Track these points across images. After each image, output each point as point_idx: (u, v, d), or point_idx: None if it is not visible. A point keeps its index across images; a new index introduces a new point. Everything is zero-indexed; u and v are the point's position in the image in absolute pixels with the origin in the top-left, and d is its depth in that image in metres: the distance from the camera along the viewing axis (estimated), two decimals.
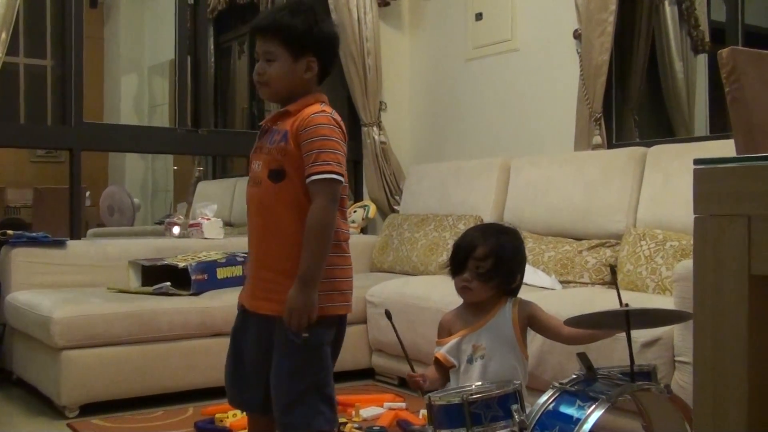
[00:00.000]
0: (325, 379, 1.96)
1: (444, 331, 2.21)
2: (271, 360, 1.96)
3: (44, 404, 3.24)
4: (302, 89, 1.98)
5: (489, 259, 2.11)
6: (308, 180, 1.88)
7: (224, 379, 2.09)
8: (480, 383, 2.01)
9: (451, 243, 3.88)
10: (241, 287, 2.11)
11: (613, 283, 2.09)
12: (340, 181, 1.90)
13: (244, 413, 2.37)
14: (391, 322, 2.14)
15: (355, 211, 4.72)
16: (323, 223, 1.88)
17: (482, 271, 2.11)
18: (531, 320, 2.18)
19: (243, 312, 2.05)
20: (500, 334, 2.12)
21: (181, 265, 3.44)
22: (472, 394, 1.83)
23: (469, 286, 2.13)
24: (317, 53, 1.97)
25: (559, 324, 2.15)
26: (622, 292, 2.97)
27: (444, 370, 2.16)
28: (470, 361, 2.11)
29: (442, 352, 2.15)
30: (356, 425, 2.88)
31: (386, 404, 3.12)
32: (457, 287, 2.16)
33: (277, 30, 1.95)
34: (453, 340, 2.15)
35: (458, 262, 2.15)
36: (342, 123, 1.97)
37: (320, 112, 1.93)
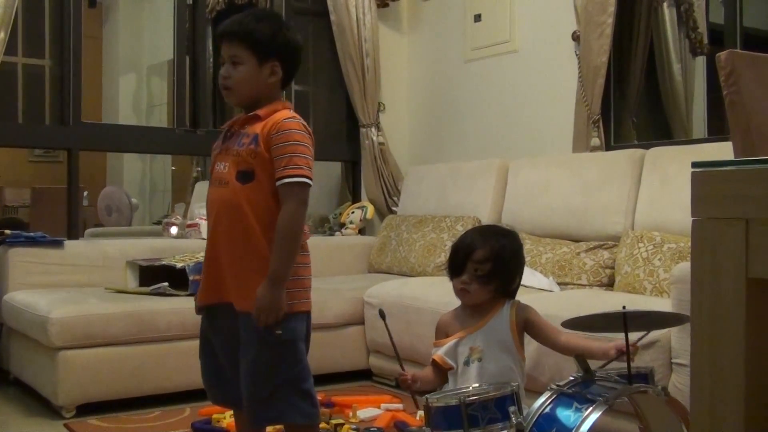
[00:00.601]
0: (301, 374, 2.01)
1: (441, 332, 2.22)
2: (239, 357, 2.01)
3: (41, 404, 3.24)
4: (266, 94, 2.05)
5: (488, 262, 2.12)
6: (279, 183, 1.96)
7: (202, 380, 2.15)
8: (477, 385, 2.01)
9: (449, 244, 3.88)
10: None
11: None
12: (309, 185, 1.98)
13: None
14: (384, 322, 2.14)
15: (353, 212, 4.71)
16: (294, 225, 1.96)
17: (481, 274, 2.12)
18: (528, 324, 2.18)
19: (207, 314, 2.10)
20: (497, 336, 2.12)
21: (179, 265, 3.43)
22: (469, 396, 1.82)
23: (467, 288, 2.13)
24: (281, 59, 2.05)
25: (555, 331, 2.16)
26: (619, 294, 2.99)
27: (441, 371, 2.16)
28: (467, 363, 2.11)
29: (439, 354, 2.15)
30: (353, 426, 2.88)
31: (383, 405, 3.12)
32: (456, 289, 2.16)
33: (243, 34, 2.02)
34: (450, 342, 2.15)
35: (457, 264, 2.15)
36: (310, 131, 2.04)
37: (291, 117, 2.01)
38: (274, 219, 1.96)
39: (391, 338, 2.13)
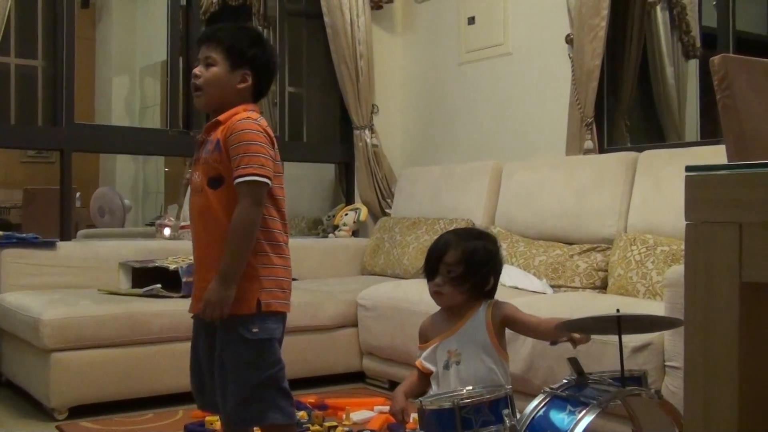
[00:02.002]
0: (280, 373, 2.04)
1: (423, 337, 2.22)
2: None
3: (33, 406, 3.23)
4: (234, 100, 2.08)
5: (460, 264, 2.11)
6: (235, 182, 1.98)
7: (190, 385, 2.17)
8: (471, 387, 2.01)
9: None
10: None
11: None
12: (265, 183, 1.99)
13: None
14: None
15: (346, 214, 4.71)
16: (246, 223, 1.97)
17: (453, 276, 2.11)
18: (507, 321, 2.14)
19: (196, 321, 2.13)
20: (474, 338, 2.10)
21: (172, 267, 3.43)
22: (463, 399, 1.82)
23: (440, 290, 2.13)
24: (254, 69, 2.09)
25: (537, 321, 2.13)
26: (612, 297, 2.99)
27: (425, 376, 2.17)
28: (446, 366, 2.11)
29: (420, 360, 2.16)
30: (347, 428, 2.87)
31: (377, 407, 3.12)
32: (430, 292, 2.16)
33: (220, 39, 2.08)
34: (429, 347, 2.15)
35: (430, 267, 2.15)
36: (269, 129, 2.06)
37: (245, 118, 2.03)
38: None
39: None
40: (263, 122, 2.06)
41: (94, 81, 7.16)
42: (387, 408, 3.10)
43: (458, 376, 2.07)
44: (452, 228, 3.91)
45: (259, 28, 4.79)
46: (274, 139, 2.08)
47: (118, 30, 7.24)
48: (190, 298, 3.30)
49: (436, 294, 2.15)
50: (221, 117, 2.05)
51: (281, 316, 2.07)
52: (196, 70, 2.09)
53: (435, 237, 3.92)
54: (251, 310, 2.00)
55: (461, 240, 2.15)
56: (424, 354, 2.15)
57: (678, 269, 2.41)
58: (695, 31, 3.97)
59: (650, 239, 3.05)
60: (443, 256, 2.12)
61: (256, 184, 1.97)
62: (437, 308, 2.23)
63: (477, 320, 2.12)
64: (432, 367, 2.13)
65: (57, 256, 3.64)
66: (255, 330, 1.98)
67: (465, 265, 2.11)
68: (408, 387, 2.17)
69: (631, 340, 2.40)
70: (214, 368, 2.05)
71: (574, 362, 1.93)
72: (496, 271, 2.19)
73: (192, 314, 2.14)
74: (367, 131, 4.74)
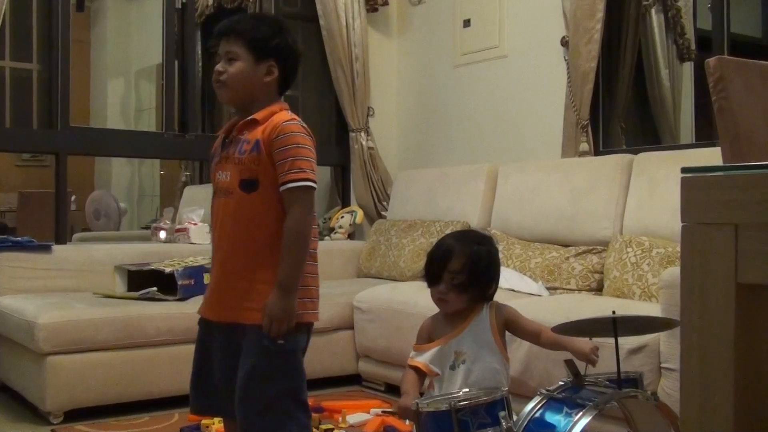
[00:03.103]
0: (301, 386, 1.97)
1: (423, 337, 2.20)
2: (238, 366, 1.95)
3: (29, 410, 3.22)
4: (261, 94, 1.99)
5: (463, 272, 2.10)
6: (283, 188, 1.90)
7: (190, 388, 2.09)
8: (467, 389, 2.01)
9: None
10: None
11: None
12: (314, 188, 1.92)
13: None
14: None
15: (342, 217, 4.71)
16: (301, 230, 1.90)
17: (457, 283, 2.10)
18: (509, 324, 2.17)
19: (206, 324, 2.05)
20: (480, 338, 2.11)
21: (168, 270, 3.42)
22: (459, 401, 1.82)
23: (445, 298, 2.12)
24: (279, 60, 1.99)
25: (537, 328, 2.16)
26: (608, 299, 3.00)
27: (422, 376, 2.15)
28: (453, 367, 2.10)
29: (424, 362, 2.12)
30: (343, 431, 2.87)
31: (373, 410, 3.12)
32: (433, 298, 2.16)
33: (241, 32, 1.97)
34: (434, 348, 2.13)
35: (433, 274, 2.14)
36: (311, 133, 1.99)
37: (291, 120, 1.94)
38: (281, 227, 1.90)
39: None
40: (305, 124, 1.98)
41: (89, 84, 7.16)
42: (383, 410, 3.11)
43: (466, 377, 2.07)
44: (448, 231, 3.93)
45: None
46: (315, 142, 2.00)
47: (113, 33, 7.23)
48: (185, 301, 3.34)
49: (440, 301, 2.14)
50: (258, 116, 1.95)
51: (308, 326, 2.00)
52: (219, 67, 1.98)
53: (431, 239, 3.96)
54: None
55: (464, 246, 2.13)
56: (428, 356, 2.13)
57: (674, 271, 2.42)
58: (690, 34, 3.98)
59: (646, 241, 3.06)
60: (447, 263, 2.11)
61: (307, 190, 1.90)
62: (434, 310, 2.23)
63: (481, 321, 2.13)
64: (437, 370, 2.11)
65: (52, 259, 3.63)
66: (281, 342, 1.90)
67: (469, 271, 2.10)
68: (414, 387, 2.13)
69: (627, 342, 2.41)
70: (231, 373, 1.97)
71: (570, 364, 1.94)
72: (498, 274, 2.20)
73: (202, 319, 2.06)
74: (362, 134, 4.74)
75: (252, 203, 1.93)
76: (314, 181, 1.92)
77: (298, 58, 2.07)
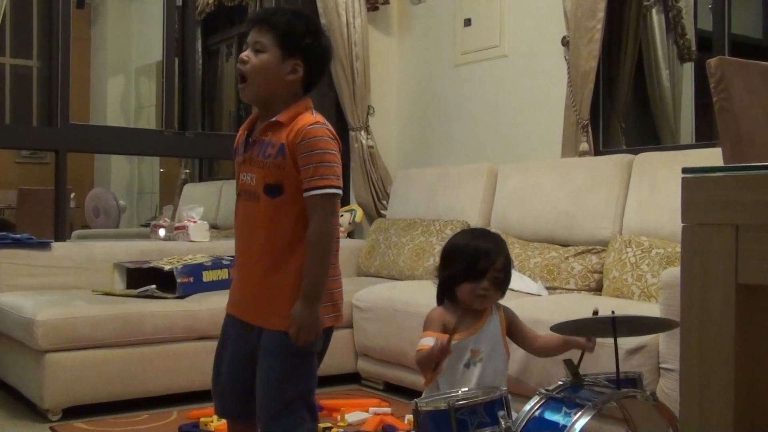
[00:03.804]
0: (312, 388, 1.97)
1: (436, 324, 2.15)
2: (252, 369, 1.94)
3: (27, 407, 3.21)
4: (283, 92, 1.93)
5: (503, 270, 2.15)
6: (307, 195, 1.86)
7: (212, 389, 2.07)
8: (466, 389, 2.01)
9: (438, 248, 3.89)
10: (227, 291, 2.09)
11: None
12: (339, 195, 1.89)
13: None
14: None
15: (342, 215, 4.71)
16: (325, 238, 1.87)
17: (498, 282, 2.13)
18: (511, 327, 2.21)
19: (232, 321, 2.02)
20: (493, 338, 2.14)
21: (167, 267, 3.42)
22: (458, 400, 1.82)
23: (488, 294, 2.13)
24: (306, 59, 1.94)
25: (534, 335, 2.21)
26: (607, 299, 3.00)
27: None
28: (467, 365, 2.10)
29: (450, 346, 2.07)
30: (342, 430, 2.87)
31: (372, 409, 3.12)
32: (473, 294, 2.12)
33: (275, 24, 1.92)
34: (455, 341, 2.08)
35: (479, 271, 2.12)
36: (336, 135, 1.95)
37: (316, 123, 1.90)
38: (304, 231, 1.87)
39: None
40: (331, 127, 1.94)
41: (90, 81, 7.16)
42: (382, 409, 3.11)
43: (481, 376, 2.07)
44: (448, 230, 3.93)
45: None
46: (341, 144, 1.96)
47: (114, 30, 7.23)
48: (184, 299, 3.34)
49: (480, 297, 2.12)
50: (282, 118, 1.90)
51: (328, 330, 1.97)
52: (244, 55, 1.93)
53: (430, 239, 3.96)
54: None
55: (500, 244, 2.19)
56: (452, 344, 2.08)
57: (673, 271, 2.42)
58: (691, 35, 3.98)
59: (645, 241, 3.06)
60: (494, 261, 2.13)
61: (331, 197, 1.87)
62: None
63: (494, 321, 2.15)
64: (444, 365, 2.08)
65: (51, 256, 3.63)
66: (298, 345, 1.88)
67: (506, 271, 2.16)
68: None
69: (626, 342, 2.41)
70: (238, 374, 1.97)
71: (569, 364, 1.94)
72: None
73: (229, 316, 2.03)
74: (362, 132, 4.74)
75: (277, 208, 1.90)
76: (339, 187, 1.88)
77: (327, 62, 2.03)
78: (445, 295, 2.21)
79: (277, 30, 1.91)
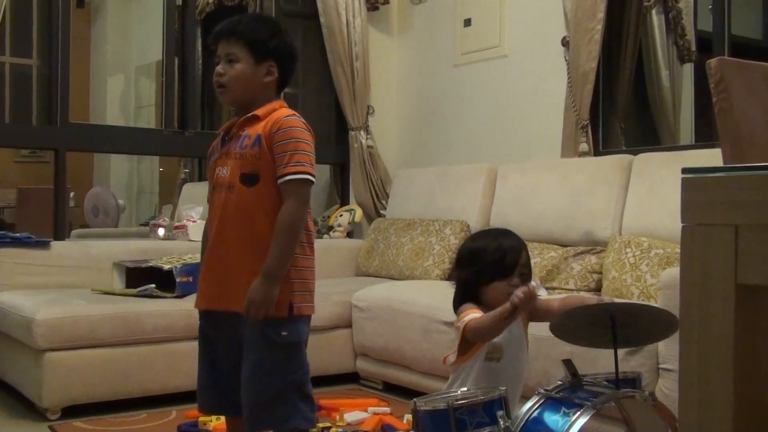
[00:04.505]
0: (305, 378, 2.00)
1: (473, 310, 2.10)
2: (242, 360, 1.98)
3: (26, 406, 3.21)
4: (261, 94, 2.04)
5: (528, 264, 2.16)
6: (281, 180, 1.94)
7: (197, 385, 2.10)
8: (465, 389, 2.01)
9: (437, 248, 3.90)
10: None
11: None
12: (311, 182, 1.97)
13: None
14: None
15: (341, 215, 4.71)
16: (294, 222, 1.94)
17: (525, 277, 2.13)
18: (529, 313, 2.17)
19: (208, 316, 2.07)
20: (515, 336, 2.12)
21: (166, 267, 3.42)
22: (457, 400, 1.82)
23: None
24: (278, 60, 2.05)
25: (549, 303, 2.18)
26: (606, 299, 2.99)
27: (467, 345, 2.07)
28: (489, 359, 2.08)
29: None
30: (340, 429, 2.87)
31: (371, 409, 3.12)
32: (506, 292, 2.06)
33: (241, 33, 2.02)
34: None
35: (507, 268, 2.11)
36: (310, 128, 2.03)
37: (292, 115, 2.00)
38: None
39: None
40: (304, 120, 2.04)
41: (89, 80, 7.15)
42: (381, 409, 3.11)
43: (498, 373, 2.05)
44: (447, 230, 3.93)
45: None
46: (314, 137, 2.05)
47: (113, 29, 7.23)
48: (183, 298, 3.34)
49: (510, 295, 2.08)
50: (258, 112, 2.01)
51: (308, 319, 2.05)
52: (220, 68, 2.03)
53: (429, 239, 3.96)
54: (283, 314, 1.96)
55: (521, 241, 2.18)
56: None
57: (673, 272, 2.42)
58: (690, 35, 3.98)
59: (645, 242, 3.06)
60: (520, 257, 2.13)
61: (304, 183, 1.95)
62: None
63: (518, 323, 2.12)
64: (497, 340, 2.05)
65: (51, 255, 3.63)
66: (284, 333, 1.94)
67: (530, 265, 2.17)
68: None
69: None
70: (236, 366, 2.00)
71: (568, 364, 1.94)
72: None
73: (204, 310, 2.09)
74: (362, 132, 4.74)
75: (253, 197, 1.97)
76: (312, 175, 1.96)
77: (295, 59, 2.13)
78: (467, 298, 2.16)
79: (245, 38, 2.01)
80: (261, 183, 1.96)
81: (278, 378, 1.95)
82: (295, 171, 1.93)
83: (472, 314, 2.06)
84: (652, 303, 2.80)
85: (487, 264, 2.12)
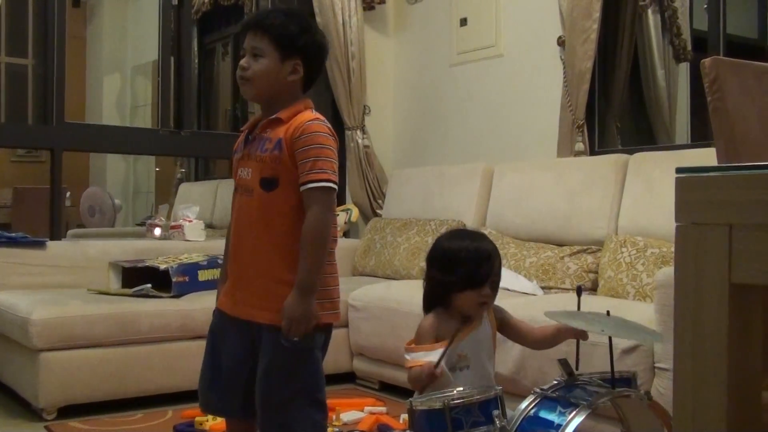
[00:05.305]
0: (317, 384, 1.96)
1: (428, 337, 2.05)
2: (251, 364, 1.95)
3: (22, 406, 3.21)
4: (285, 92, 1.97)
5: (499, 273, 2.05)
6: (304, 188, 1.87)
7: (199, 384, 2.08)
8: (461, 388, 2.00)
9: None
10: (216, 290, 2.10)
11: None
12: (336, 189, 1.90)
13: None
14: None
15: (337, 215, 4.71)
16: (320, 231, 1.88)
17: (496, 285, 2.04)
18: (502, 324, 2.13)
19: (221, 316, 2.03)
20: (482, 341, 2.07)
21: (162, 267, 3.42)
22: (453, 399, 1.82)
23: (488, 301, 2.05)
24: (305, 58, 1.96)
25: (528, 328, 2.14)
26: (602, 299, 3.00)
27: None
28: (453, 369, 2.06)
29: (440, 365, 1.95)
30: (337, 429, 2.87)
31: (367, 408, 3.12)
32: (476, 302, 2.01)
33: (269, 27, 1.94)
34: (441, 349, 1.98)
35: (480, 277, 2.01)
36: (335, 132, 1.96)
37: (315, 119, 1.92)
38: (300, 227, 1.88)
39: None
40: (329, 124, 1.96)
41: (85, 80, 7.14)
42: (377, 409, 3.11)
43: (465, 382, 1.97)
44: (443, 230, 3.93)
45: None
46: (338, 141, 1.98)
47: (109, 29, 7.22)
48: (179, 298, 3.34)
49: (483, 304, 2.04)
50: (282, 115, 1.93)
51: (328, 327, 1.99)
52: (243, 62, 1.95)
53: (426, 238, 3.96)
54: None
55: (495, 246, 2.08)
56: (439, 355, 1.97)
57: (668, 271, 2.42)
58: (686, 35, 3.99)
59: (640, 241, 3.06)
60: (493, 265, 2.03)
61: (328, 190, 1.88)
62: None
63: (485, 326, 2.07)
64: (448, 372, 1.98)
65: (46, 255, 3.62)
66: (295, 339, 1.88)
67: (500, 272, 2.06)
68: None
69: (621, 341, 2.41)
70: (238, 370, 1.97)
71: (564, 363, 1.94)
72: None
73: (218, 310, 2.04)
74: (358, 132, 4.74)
75: (272, 202, 1.91)
76: (335, 182, 1.89)
77: (324, 56, 2.05)
78: (436, 300, 2.09)
79: (272, 33, 1.93)
80: (280, 188, 1.90)
81: (288, 383, 1.91)
82: (318, 179, 1.87)
83: (416, 354, 1.98)
84: (648, 303, 2.80)
85: (462, 271, 2.01)
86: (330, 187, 1.88)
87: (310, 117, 1.93)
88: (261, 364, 1.93)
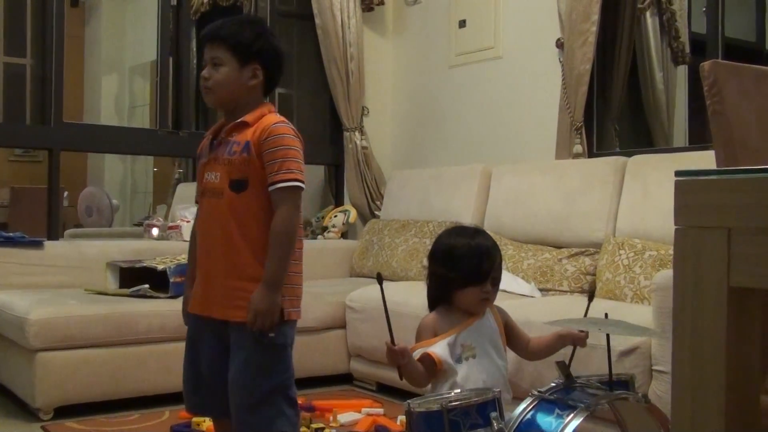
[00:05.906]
0: (289, 381, 2.02)
1: (428, 332, 2.09)
2: (228, 363, 2.00)
3: (18, 406, 3.21)
4: (247, 97, 2.05)
5: (500, 269, 2.08)
6: (273, 188, 1.96)
7: (184, 388, 2.13)
8: (459, 390, 2.00)
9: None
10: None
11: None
12: (302, 188, 1.99)
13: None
14: (381, 287, 2.04)
15: (335, 216, 4.71)
16: (288, 229, 1.96)
17: (497, 281, 2.07)
18: (506, 327, 2.16)
19: (196, 321, 2.08)
20: (487, 334, 2.08)
21: (160, 267, 3.41)
22: (451, 402, 1.82)
23: (490, 297, 2.07)
24: (263, 63, 2.05)
25: (526, 337, 2.17)
26: (600, 301, 3.00)
27: (431, 369, 2.06)
28: (459, 360, 2.06)
29: (436, 353, 2.01)
30: (334, 430, 2.87)
31: (364, 410, 3.12)
32: (479, 299, 2.04)
33: (225, 36, 2.03)
34: (444, 340, 2.03)
35: (481, 273, 2.03)
36: (299, 134, 2.05)
37: (280, 122, 2.01)
38: (268, 227, 1.96)
39: (385, 304, 2.04)
40: (293, 126, 2.05)
41: (83, 80, 7.14)
42: (375, 410, 3.11)
43: (475, 371, 2.01)
44: (440, 231, 3.92)
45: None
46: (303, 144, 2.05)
47: (108, 29, 7.22)
48: (177, 299, 3.33)
49: (485, 300, 2.06)
50: (248, 118, 2.01)
51: (295, 323, 2.06)
52: (205, 73, 2.05)
53: (424, 240, 3.96)
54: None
55: (495, 242, 2.12)
56: (440, 347, 2.02)
57: (666, 274, 2.43)
58: (684, 37, 3.99)
59: (638, 244, 3.06)
60: (494, 263, 2.06)
61: (295, 189, 1.97)
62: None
63: (488, 319, 2.09)
64: (451, 362, 2.01)
65: (44, 255, 3.62)
66: (272, 335, 1.96)
67: (501, 268, 2.09)
68: (413, 363, 2.03)
69: (619, 344, 2.41)
70: (218, 370, 2.01)
71: (562, 366, 1.94)
72: None
73: (188, 315, 2.11)
74: (357, 133, 4.73)
75: (241, 203, 1.98)
76: (302, 182, 1.98)
77: (282, 60, 2.13)
78: (440, 297, 2.11)
79: (228, 41, 2.03)
80: (249, 189, 1.98)
81: (265, 379, 1.97)
82: (286, 179, 1.95)
83: (416, 352, 2.02)
84: (645, 305, 2.80)
85: (464, 268, 2.04)
86: (298, 186, 1.97)
87: (275, 120, 2.01)
88: (234, 360, 1.98)
